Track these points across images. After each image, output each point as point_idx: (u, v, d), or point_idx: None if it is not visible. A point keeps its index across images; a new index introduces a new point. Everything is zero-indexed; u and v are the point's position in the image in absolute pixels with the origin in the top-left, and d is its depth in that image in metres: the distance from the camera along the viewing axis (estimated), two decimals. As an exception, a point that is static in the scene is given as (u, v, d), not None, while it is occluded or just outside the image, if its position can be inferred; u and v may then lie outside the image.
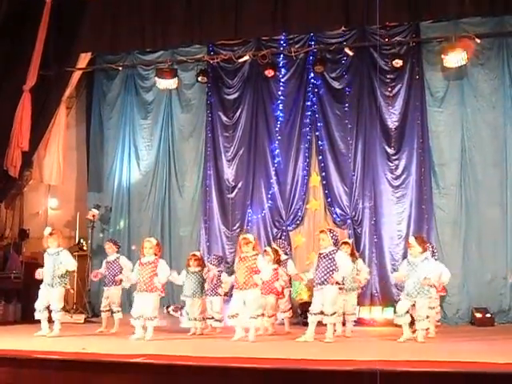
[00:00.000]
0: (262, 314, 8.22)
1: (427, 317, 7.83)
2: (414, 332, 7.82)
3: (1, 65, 11.70)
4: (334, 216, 11.78)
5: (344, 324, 8.82)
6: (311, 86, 12.08)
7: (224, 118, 12.63)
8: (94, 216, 12.58)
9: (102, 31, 12.24)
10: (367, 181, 11.67)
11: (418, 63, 11.62)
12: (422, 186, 11.37)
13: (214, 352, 6.45)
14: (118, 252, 9.84)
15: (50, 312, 8.59)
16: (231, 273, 9.17)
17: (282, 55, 12.19)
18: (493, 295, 10.85)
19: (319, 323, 7.81)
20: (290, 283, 9.50)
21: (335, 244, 7.97)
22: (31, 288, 9.58)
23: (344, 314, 8.83)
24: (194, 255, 9.39)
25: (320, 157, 11.95)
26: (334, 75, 12.03)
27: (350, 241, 9.71)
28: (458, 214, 11.17)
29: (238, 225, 12.21)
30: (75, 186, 13.63)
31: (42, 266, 8.81)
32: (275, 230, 12.03)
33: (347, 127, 11.85)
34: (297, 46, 12.03)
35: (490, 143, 11.25)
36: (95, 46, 12.48)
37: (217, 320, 9.22)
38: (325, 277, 7.74)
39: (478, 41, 10.82)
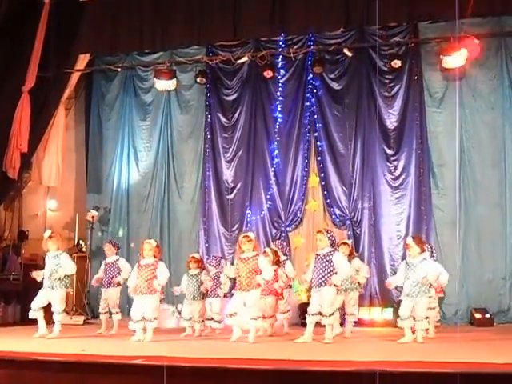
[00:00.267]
0: (264, 316, 8.23)
1: (426, 317, 7.84)
2: (413, 332, 7.81)
3: (0, 64, 11.70)
4: (333, 217, 11.78)
5: (342, 324, 8.81)
6: (310, 86, 12.08)
7: (223, 119, 12.63)
8: (93, 217, 12.59)
9: (101, 32, 12.25)
10: (366, 181, 11.67)
11: (416, 64, 11.63)
12: (421, 186, 11.38)
13: (212, 353, 6.45)
14: (117, 254, 9.82)
15: (46, 313, 8.58)
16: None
17: (280, 56, 12.20)
18: (492, 295, 10.86)
19: (317, 324, 7.81)
20: (290, 285, 9.50)
21: (332, 245, 7.94)
22: (30, 290, 9.58)
23: (344, 314, 8.83)
24: (194, 257, 9.37)
25: (319, 157, 11.95)
26: (332, 76, 12.03)
27: (349, 241, 9.71)
28: (456, 214, 11.15)
29: (237, 226, 12.20)
30: (74, 188, 13.64)
31: (42, 268, 8.82)
32: (274, 231, 12.03)
33: (346, 128, 11.85)
34: (295, 47, 12.04)
35: (489, 144, 11.26)
36: (94, 47, 12.49)
37: (216, 321, 9.22)
38: (322, 278, 7.72)
39: (477, 41, 10.82)
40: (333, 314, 7.76)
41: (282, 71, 12.24)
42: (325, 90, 12.05)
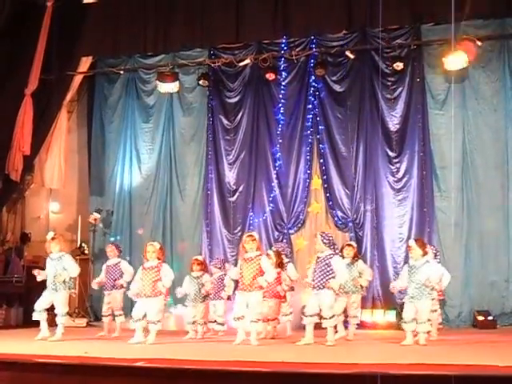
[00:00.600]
0: (267, 319, 8.20)
1: (429, 320, 7.82)
2: (415, 335, 7.80)
3: (3, 66, 11.73)
4: (336, 219, 11.78)
5: (345, 327, 8.80)
6: (312, 89, 12.09)
7: (225, 122, 12.64)
8: (95, 220, 12.60)
9: (104, 35, 12.29)
10: (368, 184, 11.67)
11: (419, 66, 11.63)
12: (424, 188, 11.37)
13: (214, 356, 6.44)
14: (119, 256, 9.81)
15: (49, 315, 8.57)
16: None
17: (282, 58, 12.21)
18: (495, 298, 10.85)
19: (319, 327, 7.79)
20: (292, 287, 9.48)
21: (331, 246, 7.90)
22: (33, 292, 9.59)
23: (346, 316, 8.81)
24: (197, 260, 9.37)
25: (321, 160, 11.96)
26: (335, 78, 12.04)
27: (354, 243, 9.67)
28: (459, 216, 11.15)
29: (239, 228, 12.20)
30: (77, 190, 13.66)
31: (43, 270, 8.80)
32: (277, 234, 12.03)
33: (348, 130, 11.85)
34: (298, 50, 12.04)
35: (492, 146, 11.25)
36: (96, 49, 12.53)
37: (219, 323, 9.22)
38: (322, 281, 7.71)
39: (479, 43, 10.82)
40: (333, 316, 7.74)
41: (284, 73, 12.25)
42: (327, 93, 12.06)
